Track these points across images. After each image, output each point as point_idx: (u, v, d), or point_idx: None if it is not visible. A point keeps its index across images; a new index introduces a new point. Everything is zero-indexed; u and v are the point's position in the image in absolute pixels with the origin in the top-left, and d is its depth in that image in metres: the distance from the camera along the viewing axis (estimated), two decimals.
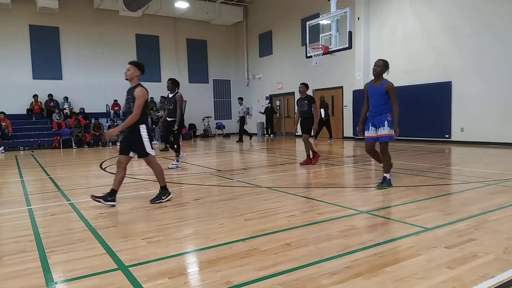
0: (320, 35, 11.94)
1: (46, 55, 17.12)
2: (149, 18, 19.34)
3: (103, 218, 4.27)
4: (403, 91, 13.93)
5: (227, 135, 21.15)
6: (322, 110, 15.12)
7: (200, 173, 7.60)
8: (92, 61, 18.01)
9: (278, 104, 20.48)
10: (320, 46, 11.73)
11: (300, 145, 14.39)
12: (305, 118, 8.20)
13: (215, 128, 21.63)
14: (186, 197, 5.41)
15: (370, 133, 5.54)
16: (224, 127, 21.79)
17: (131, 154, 4.84)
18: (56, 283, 2.56)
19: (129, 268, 2.75)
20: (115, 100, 18.40)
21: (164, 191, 5.05)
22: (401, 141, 13.84)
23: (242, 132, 16.81)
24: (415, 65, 13.56)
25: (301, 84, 8.43)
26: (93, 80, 18.02)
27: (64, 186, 6.50)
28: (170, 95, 8.21)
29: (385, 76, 5.59)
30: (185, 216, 4.32)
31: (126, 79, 5.00)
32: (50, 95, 16.99)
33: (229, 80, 22.87)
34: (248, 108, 19.85)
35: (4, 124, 15.18)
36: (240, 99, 17.64)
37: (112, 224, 4.01)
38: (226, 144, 15.60)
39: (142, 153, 4.80)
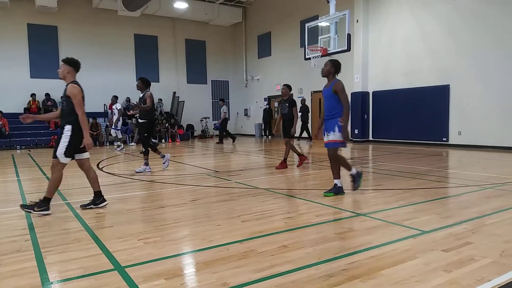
0: (319, 37, 11.95)
1: (44, 54, 17.07)
2: (148, 18, 19.32)
3: (100, 218, 4.25)
4: (401, 94, 13.98)
5: (225, 136, 21.16)
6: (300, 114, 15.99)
7: (197, 174, 7.58)
8: (91, 60, 17.94)
9: (277, 105, 20.49)
10: (319, 48, 11.75)
11: (298, 146, 14.40)
12: (287, 120, 8.05)
13: (213, 129, 21.62)
14: (183, 198, 5.39)
15: (325, 138, 5.23)
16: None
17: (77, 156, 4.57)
18: (52, 283, 2.54)
19: (126, 269, 2.74)
20: (222, 99, 18.45)
21: (44, 203, 4.36)
22: (398, 144, 13.87)
23: (224, 134, 16.52)
24: (413, 68, 13.60)
25: (283, 85, 8.20)
26: (91, 80, 17.91)
27: (60, 185, 6.46)
28: (141, 95, 7.87)
29: (340, 76, 5.38)
30: (182, 217, 4.31)
31: (61, 78, 4.66)
32: (47, 94, 16.93)
33: (228, 81, 22.87)
34: (228, 109, 19.60)
35: (1, 122, 15.13)
36: (222, 100, 17.15)
37: (108, 224, 4.00)
38: (224, 145, 15.59)
39: (54, 152, 4.40)
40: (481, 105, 11.78)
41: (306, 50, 12.35)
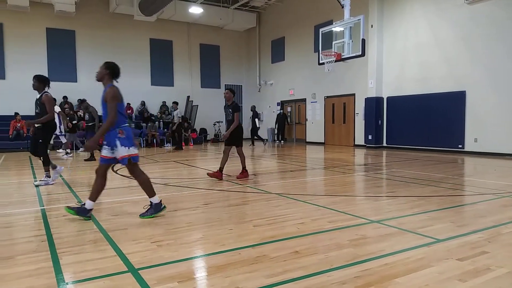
0: (333, 42, 11.93)
1: (62, 58, 17.43)
2: (163, 23, 19.56)
3: (114, 220, 4.31)
4: (415, 100, 13.84)
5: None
6: (256, 120, 17.57)
7: (210, 178, 7.62)
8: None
9: (290, 110, 20.48)
10: (333, 53, 11.72)
11: (311, 152, 14.36)
12: (231, 127, 7.38)
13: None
14: (196, 201, 5.43)
15: (103, 151, 4.38)
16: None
17: None
18: (67, 283, 2.59)
19: (139, 271, 2.77)
20: (128, 103, 18.62)
21: None
22: (413, 150, 13.70)
23: (180, 139, 15.93)
24: (428, 74, 13.45)
25: (226, 89, 7.54)
26: None
27: (76, 187, 6.58)
28: (37, 96, 6.63)
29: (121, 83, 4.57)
30: (195, 221, 4.33)
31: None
32: (65, 97, 17.25)
33: (241, 85, 22.97)
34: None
35: (19, 125, 15.46)
36: (175, 103, 16.11)
37: (123, 226, 4.05)
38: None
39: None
40: (497, 112, 11.58)
41: (320, 55, 12.33)
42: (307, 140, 19.23)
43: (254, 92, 22.74)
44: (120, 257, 3.08)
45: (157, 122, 18.84)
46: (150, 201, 4.44)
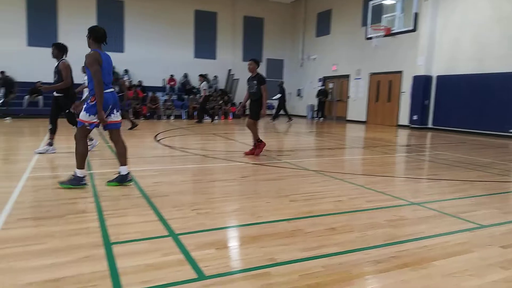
0: (383, 16, 11.40)
1: (111, 28, 17.88)
2: None
3: (157, 187, 4.49)
4: (468, 80, 13.05)
5: (277, 116, 21.13)
6: (279, 95, 17.34)
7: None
8: (152, 35, 18.56)
9: (332, 86, 20.02)
10: (382, 27, 11.21)
11: (351, 130, 14.07)
12: (254, 100, 7.06)
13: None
14: (233, 174, 5.53)
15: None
16: (273, 108, 21.76)
17: None
18: (112, 243, 2.76)
19: (179, 236, 2.89)
20: (172, 75, 18.97)
21: None
22: (460, 133, 13.05)
23: (203, 112, 15.84)
24: (485, 53, 12.56)
25: (250, 60, 7.08)
26: (152, 54, 18.62)
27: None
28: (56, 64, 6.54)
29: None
30: (232, 192, 4.43)
31: None
32: (112, 67, 17.89)
33: (283, 60, 22.64)
34: (211, 87, 18.63)
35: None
36: (202, 76, 15.63)
37: (164, 193, 4.21)
38: (274, 125, 15.61)
39: None
40: None
41: (368, 29, 11.84)
42: (347, 118, 18.81)
43: (296, 67, 22.36)
44: (162, 222, 3.22)
45: (198, 95, 19.13)
46: (74, 171, 4.29)
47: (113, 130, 4.46)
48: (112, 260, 2.46)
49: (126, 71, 18.16)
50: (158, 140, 9.08)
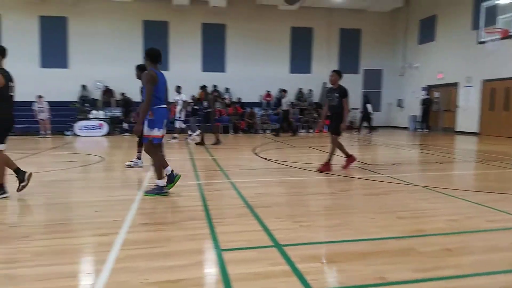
0: (498, 17, 10.28)
1: (213, 50, 19.21)
2: (304, 11, 19.72)
3: (259, 198, 4.62)
4: None
5: (374, 128, 20.27)
6: (369, 105, 16.86)
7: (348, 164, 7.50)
8: (250, 55, 19.42)
9: (437, 95, 18.55)
10: (498, 29, 10.12)
11: (462, 142, 12.83)
12: (335, 114, 6.65)
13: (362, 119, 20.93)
14: (332, 187, 5.43)
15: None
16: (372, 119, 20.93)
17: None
18: (222, 249, 2.91)
19: (284, 247, 2.93)
20: (268, 91, 19.53)
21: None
22: None
23: (289, 126, 15.78)
24: None
25: (332, 71, 6.75)
26: (250, 72, 19.46)
27: (224, 166, 7.26)
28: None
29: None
30: (333, 206, 4.35)
31: None
32: (215, 86, 19.08)
33: (381, 70, 21.73)
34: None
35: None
36: (283, 91, 15.73)
37: (267, 204, 4.32)
38: (372, 137, 14.97)
39: None
40: None
41: (481, 32, 10.78)
42: (456, 129, 17.19)
43: (395, 77, 21.26)
44: (266, 232, 3.31)
45: (280, 108, 19.35)
46: (156, 182, 4.66)
47: (153, 144, 4.70)
48: (223, 266, 2.59)
49: (227, 89, 19.23)
50: (256, 153, 9.37)
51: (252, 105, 18.64)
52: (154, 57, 4.61)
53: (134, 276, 2.46)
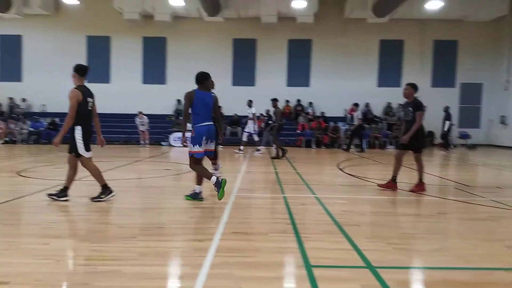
0: None
1: (298, 65, 19.40)
2: (394, 23, 18.98)
3: (347, 216, 4.51)
4: None
5: (473, 146, 18.49)
6: (448, 122, 15.60)
7: (441, 185, 6.97)
8: (336, 69, 19.20)
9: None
10: None
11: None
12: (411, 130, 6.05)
13: (458, 137, 19.27)
14: (428, 209, 5.08)
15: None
16: (469, 137, 19.15)
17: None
18: (312, 266, 2.88)
19: (377, 269, 2.81)
20: (356, 104, 19.02)
21: (104, 190, 4.97)
22: None
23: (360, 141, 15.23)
24: None
25: (406, 85, 6.28)
26: (335, 87, 19.20)
27: (308, 180, 7.22)
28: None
29: None
30: (431, 229, 4.06)
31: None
32: (298, 100, 19.21)
33: (481, 83, 19.89)
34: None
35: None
36: (355, 105, 15.18)
37: (355, 222, 4.19)
38: (471, 156, 13.68)
39: (76, 153, 4.85)
40: None
41: None
42: None
43: (498, 91, 19.29)
44: (357, 252, 3.20)
45: (380, 124, 18.57)
46: (194, 187, 5.15)
47: (195, 159, 5.04)
48: (314, 283, 2.57)
49: (311, 104, 19.23)
50: (341, 169, 9.16)
51: (336, 119, 18.36)
52: (197, 79, 5.12)
53: (230, 283, 2.56)
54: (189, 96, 4.98)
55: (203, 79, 5.12)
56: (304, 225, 4.02)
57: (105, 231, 3.87)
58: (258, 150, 13.18)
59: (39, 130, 16.92)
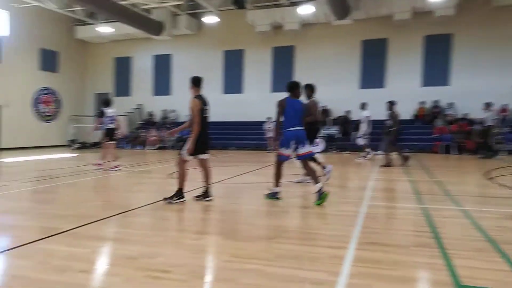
0: None
1: (436, 63, 17.62)
2: None
3: (504, 232, 3.94)
4: None
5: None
6: None
7: None
8: (481, 65, 16.88)
9: None
10: None
11: None
12: None
13: None
14: None
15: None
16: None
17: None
18: (462, 286, 2.61)
19: None
20: (505, 105, 16.47)
21: (177, 193, 5.28)
22: None
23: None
24: None
25: None
26: (480, 85, 16.84)
27: (450, 191, 6.53)
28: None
29: None
30: None
31: None
32: (435, 101, 17.48)
33: None
34: None
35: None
36: (488, 104, 12.66)
37: None
38: None
39: (180, 151, 5.42)
40: None
41: None
42: None
43: None
44: None
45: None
46: (272, 188, 5.60)
47: (304, 160, 5.55)
48: None
49: (451, 104, 17.34)
50: (491, 178, 8.03)
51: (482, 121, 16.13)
52: (289, 88, 5.57)
53: None
54: (281, 103, 5.46)
55: (293, 88, 5.60)
56: (449, 240, 3.66)
57: (247, 230, 4.20)
58: (366, 156, 12.52)
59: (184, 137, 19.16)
